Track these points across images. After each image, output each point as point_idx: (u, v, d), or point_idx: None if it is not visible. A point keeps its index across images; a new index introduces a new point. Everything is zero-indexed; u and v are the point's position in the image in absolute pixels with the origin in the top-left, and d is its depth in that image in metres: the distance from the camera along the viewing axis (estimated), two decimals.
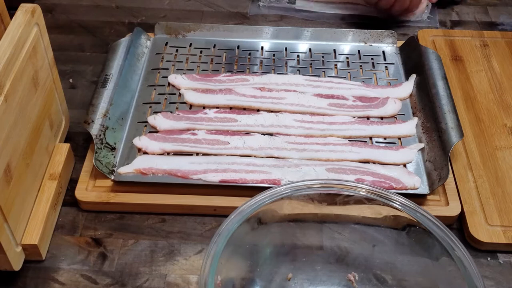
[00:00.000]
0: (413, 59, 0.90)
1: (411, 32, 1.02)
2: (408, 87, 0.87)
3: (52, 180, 0.71)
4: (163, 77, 0.89)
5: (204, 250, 0.69)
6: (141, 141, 0.78)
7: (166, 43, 0.95)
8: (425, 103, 0.83)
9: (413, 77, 0.88)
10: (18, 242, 0.64)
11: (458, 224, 0.73)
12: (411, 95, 0.86)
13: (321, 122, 0.82)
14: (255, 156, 0.77)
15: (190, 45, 0.95)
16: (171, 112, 0.83)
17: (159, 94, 0.86)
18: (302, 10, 1.06)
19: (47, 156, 0.72)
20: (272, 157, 0.77)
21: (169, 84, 0.88)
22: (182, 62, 0.92)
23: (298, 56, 0.94)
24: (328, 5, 1.07)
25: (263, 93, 0.86)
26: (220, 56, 0.93)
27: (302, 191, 0.63)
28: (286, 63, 0.93)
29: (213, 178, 0.73)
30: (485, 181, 0.76)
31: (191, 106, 0.85)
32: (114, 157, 0.76)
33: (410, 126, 0.81)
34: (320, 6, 1.07)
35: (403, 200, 0.62)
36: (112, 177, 0.73)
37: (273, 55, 0.94)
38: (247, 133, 0.80)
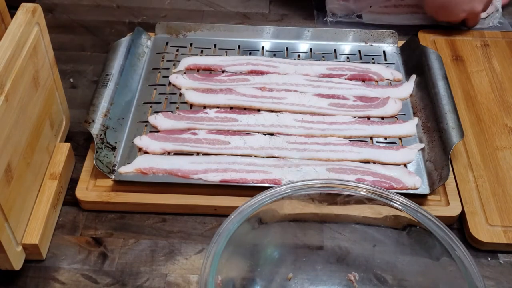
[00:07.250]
0: (414, 59, 0.90)
1: (412, 32, 1.01)
2: (408, 87, 0.87)
3: (52, 180, 0.71)
4: (163, 76, 0.89)
5: (205, 250, 0.69)
6: (142, 141, 0.78)
7: (167, 43, 0.95)
8: (426, 103, 0.83)
9: (413, 77, 0.88)
10: (19, 241, 0.64)
11: (459, 224, 0.73)
12: (411, 95, 0.86)
13: (321, 122, 0.82)
14: (255, 156, 0.77)
15: (191, 44, 0.95)
16: (171, 111, 0.83)
17: (159, 93, 0.86)
18: (371, 24, 1.02)
19: (47, 155, 0.72)
20: (273, 157, 0.77)
21: (169, 83, 0.88)
22: None
23: (298, 56, 0.94)
24: (398, 16, 1.03)
25: (264, 93, 0.86)
26: (221, 55, 0.93)
27: (303, 191, 0.63)
28: None
29: (214, 178, 0.73)
30: (486, 181, 0.76)
31: (191, 105, 0.85)
32: (114, 156, 0.76)
33: (410, 126, 0.81)
34: (389, 18, 1.03)
35: (403, 200, 0.62)
36: (113, 177, 0.73)
37: (274, 55, 0.94)
38: (247, 133, 0.80)
